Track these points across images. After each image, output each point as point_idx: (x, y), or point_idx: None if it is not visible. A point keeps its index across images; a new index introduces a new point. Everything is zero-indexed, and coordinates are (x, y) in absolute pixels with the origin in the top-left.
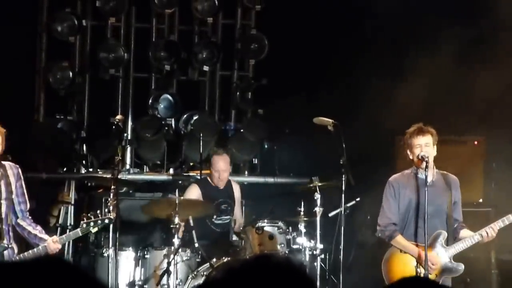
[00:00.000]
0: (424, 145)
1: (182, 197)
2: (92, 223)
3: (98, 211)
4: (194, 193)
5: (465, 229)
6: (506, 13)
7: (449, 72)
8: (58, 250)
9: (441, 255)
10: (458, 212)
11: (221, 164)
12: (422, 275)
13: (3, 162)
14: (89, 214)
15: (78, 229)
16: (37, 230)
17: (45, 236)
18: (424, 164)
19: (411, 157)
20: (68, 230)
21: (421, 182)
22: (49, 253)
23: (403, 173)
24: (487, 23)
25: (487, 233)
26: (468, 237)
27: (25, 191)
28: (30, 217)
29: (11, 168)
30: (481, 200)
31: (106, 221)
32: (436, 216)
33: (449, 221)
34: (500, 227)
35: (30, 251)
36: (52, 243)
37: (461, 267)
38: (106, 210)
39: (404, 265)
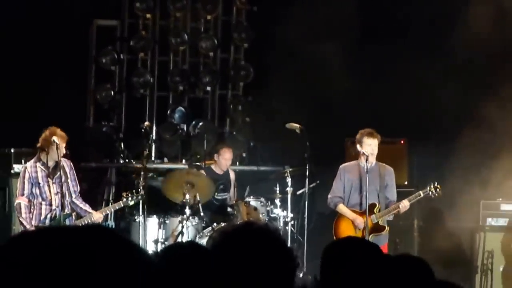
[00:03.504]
0: (374, 145)
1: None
2: (130, 198)
3: (134, 191)
4: None
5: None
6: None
7: (384, 84)
8: (101, 219)
9: (372, 219)
10: (391, 193)
11: (227, 155)
12: (356, 233)
13: (61, 158)
14: (127, 192)
15: (121, 202)
16: (87, 207)
17: (91, 210)
18: (365, 157)
19: (359, 149)
20: (110, 203)
21: (362, 170)
22: (94, 222)
23: (351, 162)
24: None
25: (402, 205)
26: (390, 208)
27: (75, 177)
28: (80, 197)
29: (65, 162)
30: (406, 183)
31: (140, 197)
32: (370, 193)
33: (379, 197)
34: (413, 201)
35: (80, 220)
36: (96, 214)
37: (386, 229)
38: (140, 189)
39: (345, 225)
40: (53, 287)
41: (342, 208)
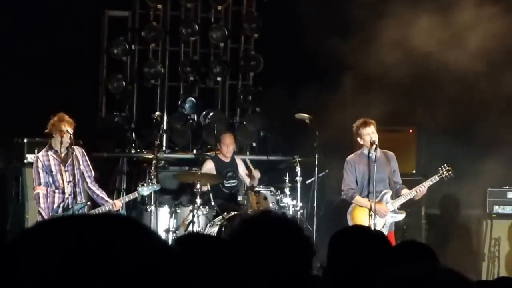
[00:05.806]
0: (371, 132)
1: (201, 171)
2: (145, 188)
3: (149, 181)
4: (209, 165)
5: (404, 189)
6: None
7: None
8: (120, 208)
9: (389, 207)
10: (398, 176)
11: (228, 140)
12: (374, 220)
13: (73, 146)
14: (143, 182)
15: (135, 192)
16: (104, 194)
17: (109, 199)
18: (374, 146)
19: (361, 142)
20: (121, 193)
21: (370, 159)
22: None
23: (356, 153)
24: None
25: (419, 190)
26: (406, 193)
27: (89, 163)
28: (96, 184)
29: (77, 149)
30: (414, 171)
31: (155, 187)
32: (381, 181)
33: (390, 183)
34: (429, 185)
35: (98, 209)
36: (118, 203)
37: (404, 214)
38: (151, 178)
39: (362, 215)
40: (76, 277)
41: (359, 199)
